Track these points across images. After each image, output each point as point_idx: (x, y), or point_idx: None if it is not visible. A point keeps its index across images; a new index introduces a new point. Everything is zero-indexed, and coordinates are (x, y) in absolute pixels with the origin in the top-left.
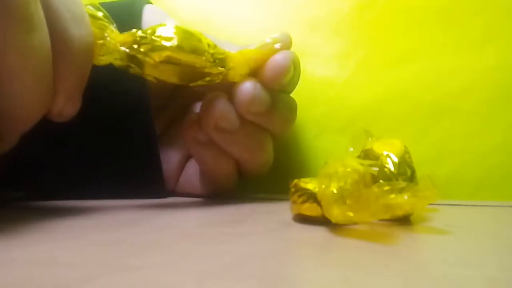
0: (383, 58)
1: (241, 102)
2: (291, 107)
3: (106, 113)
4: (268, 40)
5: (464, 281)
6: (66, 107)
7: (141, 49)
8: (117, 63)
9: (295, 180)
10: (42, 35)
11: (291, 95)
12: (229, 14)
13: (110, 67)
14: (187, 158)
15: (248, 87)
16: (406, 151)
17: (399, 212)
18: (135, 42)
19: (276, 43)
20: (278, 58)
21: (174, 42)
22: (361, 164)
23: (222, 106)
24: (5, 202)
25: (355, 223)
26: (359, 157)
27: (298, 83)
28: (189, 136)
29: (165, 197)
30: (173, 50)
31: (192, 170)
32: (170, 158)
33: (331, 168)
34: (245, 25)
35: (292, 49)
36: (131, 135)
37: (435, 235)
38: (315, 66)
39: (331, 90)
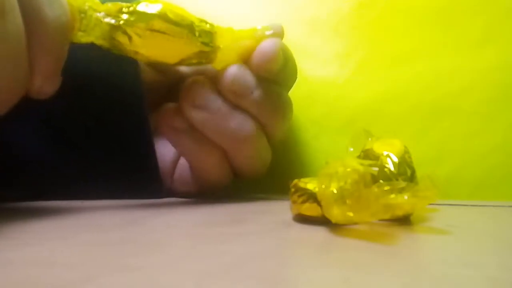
0: (383, 58)
1: (222, 79)
2: (283, 101)
3: (101, 109)
4: (259, 27)
5: (464, 281)
6: (45, 86)
7: (128, 18)
8: (99, 42)
9: (295, 180)
10: (15, 18)
11: (289, 94)
12: (229, 14)
13: (102, 60)
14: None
15: (233, 67)
16: (406, 151)
17: (399, 212)
18: (120, 11)
19: (266, 30)
20: (266, 44)
21: (159, 8)
22: (361, 164)
23: (200, 86)
24: (1, 202)
25: (355, 223)
26: (359, 157)
27: (296, 80)
28: (165, 123)
29: (163, 197)
30: (159, 17)
31: (184, 167)
32: (164, 156)
33: (331, 168)
34: (245, 25)
35: (291, 49)
36: (126, 132)
37: (435, 235)
38: (315, 66)
39: (331, 90)
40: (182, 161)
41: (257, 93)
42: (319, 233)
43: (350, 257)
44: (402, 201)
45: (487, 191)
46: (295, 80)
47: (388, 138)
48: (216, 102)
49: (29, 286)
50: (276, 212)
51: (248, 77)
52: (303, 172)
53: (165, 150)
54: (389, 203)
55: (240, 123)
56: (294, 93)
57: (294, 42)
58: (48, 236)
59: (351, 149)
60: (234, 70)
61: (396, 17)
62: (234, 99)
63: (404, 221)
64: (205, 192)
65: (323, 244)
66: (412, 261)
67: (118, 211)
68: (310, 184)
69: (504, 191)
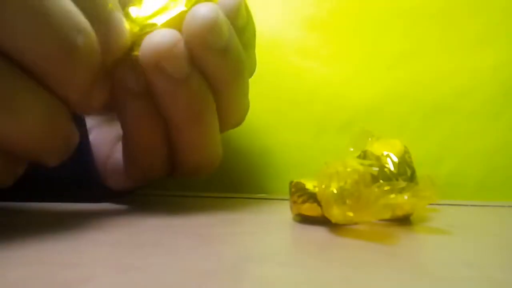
0: (383, 58)
1: (189, 21)
2: (243, 69)
3: None
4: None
5: (464, 281)
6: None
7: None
8: None
9: (295, 180)
10: None
11: (288, 94)
12: None
13: None
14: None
15: (203, 5)
16: (406, 151)
17: (399, 212)
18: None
19: None
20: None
21: None
22: (361, 164)
23: (169, 41)
24: None
25: (355, 223)
26: (359, 157)
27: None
28: (119, 83)
29: (106, 197)
30: None
31: (118, 160)
32: (100, 149)
33: (331, 168)
34: None
35: (292, 48)
36: None
37: (435, 235)
38: (315, 66)
39: (331, 90)
40: (118, 147)
41: (227, 48)
42: (319, 233)
43: (350, 257)
44: (402, 201)
45: (487, 191)
46: (254, 67)
47: (388, 138)
48: (185, 67)
49: (29, 286)
50: (276, 212)
51: (224, 23)
52: (303, 172)
53: (99, 146)
54: (389, 203)
55: (200, 102)
56: (294, 93)
57: (294, 42)
58: (49, 236)
59: (351, 149)
60: (204, 10)
61: (396, 17)
62: (199, 51)
63: (404, 221)
64: (138, 186)
65: (323, 244)
66: (412, 261)
67: (118, 211)
68: (310, 184)
69: (505, 191)
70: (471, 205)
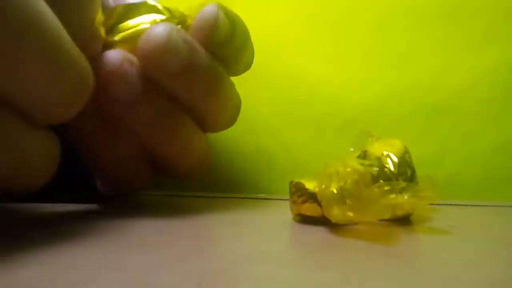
0: (383, 58)
1: (149, 50)
2: (219, 82)
3: None
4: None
5: (465, 281)
6: None
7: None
8: None
9: (295, 180)
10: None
11: (286, 94)
12: None
13: None
14: None
15: (161, 28)
16: (406, 151)
17: (399, 212)
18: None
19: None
20: (207, 8)
21: None
22: (361, 164)
23: (114, 63)
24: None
25: (355, 223)
26: (359, 157)
27: (251, 61)
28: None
29: (99, 199)
30: None
31: None
32: None
33: (331, 168)
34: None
35: (292, 48)
36: None
37: (435, 235)
38: (314, 66)
39: (331, 90)
40: None
41: (190, 68)
42: (319, 233)
43: (350, 257)
44: (402, 201)
45: (487, 191)
46: (249, 62)
47: (388, 138)
48: (132, 88)
49: (30, 286)
50: (276, 212)
51: (180, 43)
52: (303, 172)
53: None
54: (389, 203)
55: (169, 115)
56: (294, 93)
57: (294, 42)
58: (49, 236)
59: (352, 149)
60: (157, 32)
61: (396, 17)
62: (154, 73)
63: (404, 221)
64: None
65: (323, 244)
66: (412, 261)
67: (118, 211)
68: (310, 184)
69: (505, 191)
70: (471, 205)
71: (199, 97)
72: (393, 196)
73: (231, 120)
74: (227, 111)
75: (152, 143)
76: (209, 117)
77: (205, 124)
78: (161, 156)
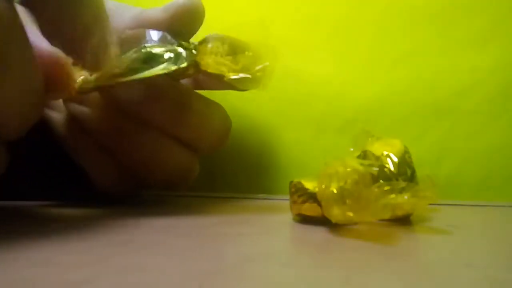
0: (383, 58)
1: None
2: (185, 98)
3: None
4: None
5: (464, 281)
6: None
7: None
8: None
9: (295, 180)
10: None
11: (288, 94)
12: (228, 13)
13: None
14: None
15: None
16: (406, 151)
17: (399, 212)
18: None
19: None
20: None
21: None
22: (361, 164)
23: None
24: None
25: (355, 223)
26: (359, 157)
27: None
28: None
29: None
30: None
31: None
32: None
33: (331, 168)
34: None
35: (292, 48)
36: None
37: (436, 235)
38: (314, 66)
39: (331, 89)
40: None
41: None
42: (319, 233)
43: (350, 257)
44: (402, 201)
45: (487, 191)
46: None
47: (388, 138)
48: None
49: (30, 286)
50: (276, 212)
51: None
52: (303, 172)
53: None
54: (389, 203)
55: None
56: (294, 93)
57: (293, 42)
58: (50, 236)
59: (351, 149)
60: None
61: (396, 17)
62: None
63: (404, 221)
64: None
65: (323, 244)
66: (412, 261)
67: (118, 211)
68: (310, 184)
69: (505, 191)
70: (471, 205)
71: (161, 113)
72: (393, 196)
73: (218, 141)
74: (208, 130)
75: (119, 148)
76: (182, 133)
77: (185, 141)
78: (127, 163)
